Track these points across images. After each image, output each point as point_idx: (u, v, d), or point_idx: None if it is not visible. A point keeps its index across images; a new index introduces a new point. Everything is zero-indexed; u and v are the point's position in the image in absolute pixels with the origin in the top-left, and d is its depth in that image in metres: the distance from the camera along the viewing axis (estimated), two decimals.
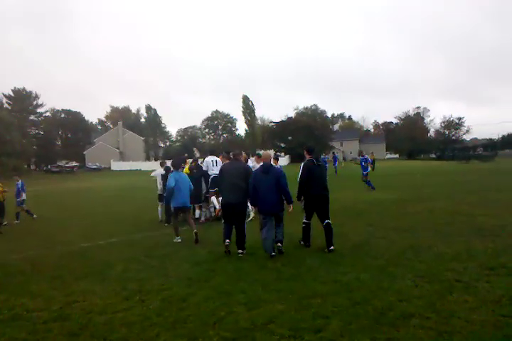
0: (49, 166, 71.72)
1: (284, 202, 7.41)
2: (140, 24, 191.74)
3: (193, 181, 11.46)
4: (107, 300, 5.39)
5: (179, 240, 8.90)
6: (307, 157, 7.85)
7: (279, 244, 7.21)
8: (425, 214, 10.68)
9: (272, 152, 63.01)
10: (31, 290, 5.99)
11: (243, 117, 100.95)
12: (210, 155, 12.13)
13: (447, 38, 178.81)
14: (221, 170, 7.94)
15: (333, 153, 52.47)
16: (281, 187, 7.25)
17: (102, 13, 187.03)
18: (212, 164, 11.63)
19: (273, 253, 7.03)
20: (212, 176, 11.46)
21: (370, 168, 20.26)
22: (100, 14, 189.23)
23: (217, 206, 11.29)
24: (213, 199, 11.39)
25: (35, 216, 14.52)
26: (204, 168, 11.76)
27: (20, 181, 14.47)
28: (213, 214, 11.77)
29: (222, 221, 7.78)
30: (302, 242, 7.83)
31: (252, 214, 11.20)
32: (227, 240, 7.36)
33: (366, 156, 20.19)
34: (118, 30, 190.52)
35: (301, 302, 4.80)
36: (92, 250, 8.62)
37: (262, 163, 7.74)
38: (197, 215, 11.78)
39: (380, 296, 4.89)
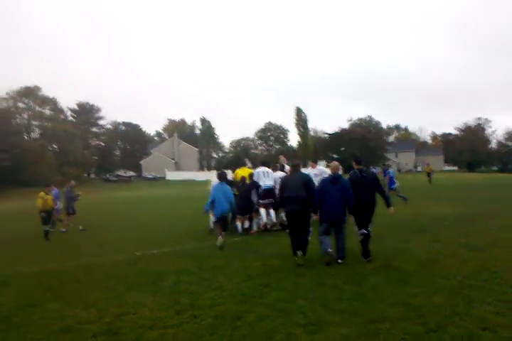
0: (108, 175, 74.52)
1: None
2: (193, 34, 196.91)
3: (243, 192, 11.35)
4: (158, 313, 5.17)
5: (221, 240, 9.11)
6: (355, 167, 7.91)
7: (339, 261, 7.18)
8: (496, 232, 9.76)
9: (323, 163, 62.20)
10: (84, 300, 5.90)
11: (296, 129, 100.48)
12: (262, 166, 11.94)
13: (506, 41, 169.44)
14: (284, 181, 8.06)
15: (384, 165, 44.09)
16: (348, 197, 7.33)
17: (155, 26, 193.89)
18: (264, 175, 11.42)
19: (329, 250, 7.08)
20: (263, 187, 11.24)
21: (397, 183, 18.85)
22: (154, 28, 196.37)
23: (264, 219, 11.09)
24: (262, 211, 11.17)
25: (63, 229, 14.48)
26: (255, 179, 11.53)
27: (55, 190, 14.65)
28: (261, 226, 11.44)
29: (288, 231, 7.98)
30: (363, 257, 7.34)
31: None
32: (298, 252, 7.37)
33: (389, 170, 19.27)
34: (168, 42, 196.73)
35: (368, 327, 4.31)
36: (144, 259, 8.53)
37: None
38: (246, 225, 11.50)
39: (457, 323, 4.32)
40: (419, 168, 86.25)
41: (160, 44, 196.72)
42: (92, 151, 78.02)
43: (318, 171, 12.01)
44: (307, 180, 7.84)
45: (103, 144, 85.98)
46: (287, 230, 8.19)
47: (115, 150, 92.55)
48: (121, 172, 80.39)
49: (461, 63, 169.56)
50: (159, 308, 5.35)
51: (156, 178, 74.36)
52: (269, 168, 11.92)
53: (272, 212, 11.33)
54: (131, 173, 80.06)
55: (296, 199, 7.52)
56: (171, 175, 75.46)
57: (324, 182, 7.64)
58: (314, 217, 7.58)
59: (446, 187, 28.62)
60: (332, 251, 7.13)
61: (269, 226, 11.24)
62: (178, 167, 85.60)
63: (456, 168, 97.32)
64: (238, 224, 11.42)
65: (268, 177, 11.41)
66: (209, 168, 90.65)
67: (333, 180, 7.50)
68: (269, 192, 11.28)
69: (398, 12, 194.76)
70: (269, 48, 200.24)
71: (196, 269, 7.31)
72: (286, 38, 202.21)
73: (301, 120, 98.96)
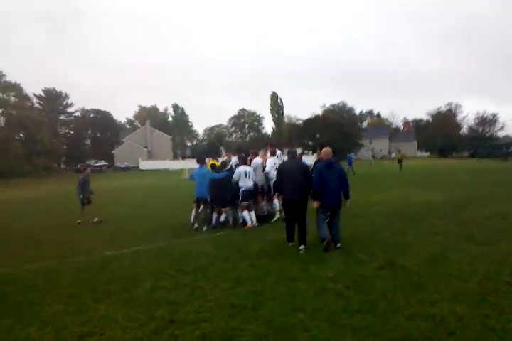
0: (79, 165, 72.17)
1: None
2: (161, 22, 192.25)
3: (221, 183, 10.61)
4: (130, 332, 4.29)
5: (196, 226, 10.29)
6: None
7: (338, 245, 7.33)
8: (497, 221, 9.20)
9: (299, 150, 61.62)
10: (41, 315, 4.94)
11: (270, 115, 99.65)
12: (243, 164, 10.88)
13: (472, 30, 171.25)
14: (281, 169, 8.05)
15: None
16: (344, 182, 7.54)
17: (117, 12, 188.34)
18: (246, 175, 10.44)
19: (328, 236, 7.21)
20: (244, 189, 10.37)
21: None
22: (122, 8, 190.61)
23: (249, 221, 10.25)
24: (245, 214, 10.35)
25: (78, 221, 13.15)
26: (235, 178, 10.56)
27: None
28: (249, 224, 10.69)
29: (284, 223, 8.07)
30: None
31: (277, 215, 10.74)
32: (291, 243, 7.71)
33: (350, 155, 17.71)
34: (138, 29, 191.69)
35: None
36: (115, 260, 7.56)
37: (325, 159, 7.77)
38: (222, 219, 10.68)
39: None
40: (393, 155, 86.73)
41: (127, 26, 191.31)
42: (61, 140, 75.37)
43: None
44: (305, 167, 8.05)
45: (72, 132, 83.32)
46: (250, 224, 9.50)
47: (85, 138, 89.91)
48: (92, 162, 78.20)
49: (426, 50, 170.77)
50: (132, 326, 4.46)
51: (128, 168, 72.51)
52: (249, 162, 11.12)
53: (252, 213, 10.55)
54: (103, 163, 77.81)
55: (296, 187, 7.57)
56: (145, 165, 73.69)
57: (320, 167, 7.59)
58: (315, 205, 7.43)
59: (426, 174, 28.32)
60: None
61: (255, 224, 10.45)
62: (151, 156, 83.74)
63: (427, 153, 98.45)
64: (214, 215, 10.67)
65: (249, 178, 10.50)
66: (183, 157, 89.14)
67: (329, 165, 7.54)
68: (250, 193, 10.51)
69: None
70: (240, 33, 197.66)
71: (175, 272, 6.42)
72: (256, 21, 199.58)
73: (276, 105, 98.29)
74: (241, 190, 10.39)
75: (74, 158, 79.93)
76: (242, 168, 10.63)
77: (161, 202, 18.35)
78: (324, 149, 8.02)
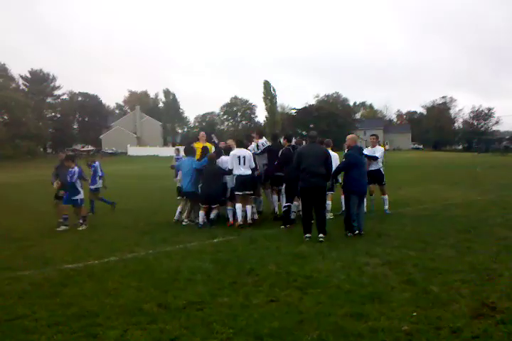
0: (65, 150, 69.70)
1: None
2: (153, 9, 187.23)
3: (209, 174, 8.78)
4: None
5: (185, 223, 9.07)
6: (286, 144, 8.68)
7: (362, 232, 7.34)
8: None
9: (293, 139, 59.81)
10: None
11: (264, 103, 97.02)
12: (238, 146, 8.90)
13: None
14: (300, 154, 7.40)
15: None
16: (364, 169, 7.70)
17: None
18: (240, 161, 8.52)
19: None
20: (237, 175, 8.54)
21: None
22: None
23: (239, 216, 8.50)
24: (237, 206, 8.53)
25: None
26: (228, 166, 8.72)
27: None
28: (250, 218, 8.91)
29: (301, 214, 7.59)
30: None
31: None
32: (308, 234, 7.19)
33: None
34: (129, 13, 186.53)
35: None
36: (74, 279, 5.39)
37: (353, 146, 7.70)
38: (212, 216, 8.82)
39: None
40: (387, 147, 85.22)
41: (117, 8, 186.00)
42: (47, 123, 72.74)
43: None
44: (327, 153, 7.49)
45: (59, 116, 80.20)
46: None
47: (73, 122, 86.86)
48: (79, 147, 75.55)
49: (412, 43, 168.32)
50: None
51: (116, 153, 69.94)
52: (247, 146, 9.22)
53: (248, 208, 8.64)
54: (90, 147, 75.11)
55: (316, 174, 7.15)
56: (133, 151, 71.33)
57: (353, 154, 7.48)
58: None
59: (439, 168, 26.36)
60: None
61: (240, 222, 8.54)
62: (140, 142, 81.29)
63: (421, 146, 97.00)
64: (201, 213, 8.76)
65: (245, 165, 8.53)
66: (174, 144, 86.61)
67: (361, 151, 7.64)
68: (245, 181, 8.58)
69: None
70: (238, 24, 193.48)
71: (156, 309, 4.28)
72: (251, 12, 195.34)
73: (269, 94, 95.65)
74: (235, 177, 8.62)
75: (60, 142, 76.97)
76: (236, 152, 8.66)
77: (146, 193, 16.20)
78: (350, 136, 8.05)
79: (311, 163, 7.14)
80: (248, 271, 5.37)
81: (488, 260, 5.51)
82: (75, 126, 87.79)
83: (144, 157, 61.42)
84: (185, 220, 9.18)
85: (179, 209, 9.44)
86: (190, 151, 9.45)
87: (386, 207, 9.59)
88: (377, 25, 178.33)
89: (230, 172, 8.71)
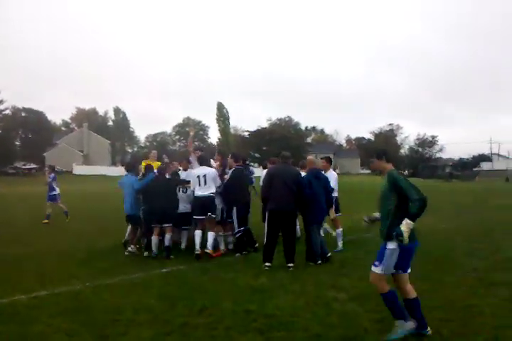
0: (7, 167, 66.03)
1: None
2: (100, 23, 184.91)
3: (159, 188, 7.88)
4: None
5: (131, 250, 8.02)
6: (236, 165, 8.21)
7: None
8: None
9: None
10: None
11: (217, 125, 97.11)
12: (201, 164, 8.04)
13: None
14: (270, 174, 7.08)
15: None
16: (328, 194, 7.31)
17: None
18: (199, 182, 7.68)
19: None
20: (195, 197, 7.78)
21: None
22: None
23: (197, 244, 7.58)
24: (196, 233, 7.64)
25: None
26: (191, 187, 7.96)
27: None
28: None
29: (265, 240, 6.86)
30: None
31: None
32: (268, 263, 6.66)
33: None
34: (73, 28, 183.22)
35: None
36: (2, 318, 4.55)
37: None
38: (166, 242, 7.77)
39: None
40: (337, 171, 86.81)
41: (66, 20, 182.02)
42: None
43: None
44: (299, 175, 7.15)
45: (0, 132, 76.24)
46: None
47: (15, 139, 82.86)
48: (20, 165, 71.70)
49: (359, 71, 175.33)
50: None
51: (61, 172, 66.79)
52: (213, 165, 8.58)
53: (210, 234, 7.65)
54: (33, 165, 71.47)
55: (286, 196, 6.74)
56: (79, 170, 68.44)
57: (309, 178, 7.10)
58: None
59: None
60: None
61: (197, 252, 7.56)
62: (87, 160, 78.47)
63: (369, 171, 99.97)
64: (154, 238, 7.79)
65: (206, 185, 7.65)
66: (122, 163, 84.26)
67: (317, 175, 7.25)
68: (205, 203, 7.68)
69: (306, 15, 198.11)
70: (189, 43, 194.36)
71: None
72: (200, 31, 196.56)
73: (223, 116, 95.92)
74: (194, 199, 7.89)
75: (1, 160, 72.82)
76: (196, 171, 7.91)
77: (90, 215, 15.08)
78: (309, 158, 7.85)
79: (281, 184, 6.75)
80: (200, 308, 4.73)
81: (466, 294, 5.13)
82: (17, 143, 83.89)
83: (91, 176, 59.06)
84: (131, 247, 8.26)
85: (129, 230, 8.53)
86: (130, 167, 8.81)
87: (340, 243, 8.21)
88: (328, 52, 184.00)
89: (186, 181, 8.06)
